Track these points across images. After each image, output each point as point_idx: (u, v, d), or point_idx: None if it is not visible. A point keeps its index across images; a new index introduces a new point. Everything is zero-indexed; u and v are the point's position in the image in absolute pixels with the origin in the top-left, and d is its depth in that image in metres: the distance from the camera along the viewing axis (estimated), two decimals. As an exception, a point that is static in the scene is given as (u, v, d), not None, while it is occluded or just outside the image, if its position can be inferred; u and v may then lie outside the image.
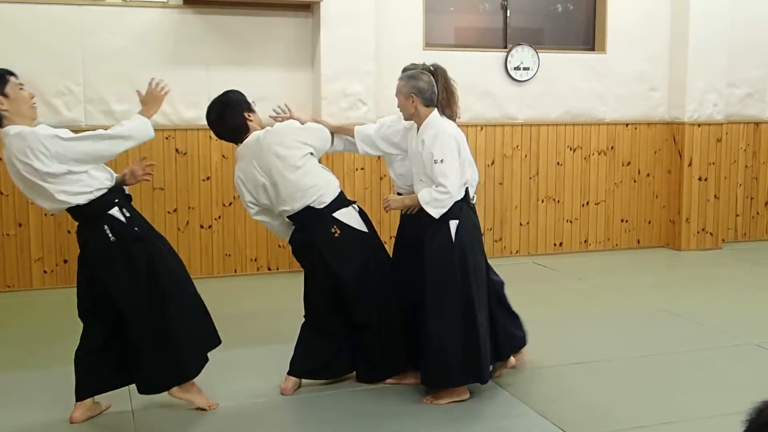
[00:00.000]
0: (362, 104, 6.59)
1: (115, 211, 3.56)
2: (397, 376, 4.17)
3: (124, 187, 3.75)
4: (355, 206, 4.10)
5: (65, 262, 6.19)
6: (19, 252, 6.13)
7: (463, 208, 3.85)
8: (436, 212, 3.80)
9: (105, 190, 3.55)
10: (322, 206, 3.96)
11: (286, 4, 6.54)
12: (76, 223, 3.66)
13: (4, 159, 3.57)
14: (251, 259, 6.72)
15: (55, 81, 6.10)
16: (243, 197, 4.11)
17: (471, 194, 4.03)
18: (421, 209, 3.84)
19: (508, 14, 7.40)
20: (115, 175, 3.69)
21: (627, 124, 7.72)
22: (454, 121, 4.08)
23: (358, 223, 4.03)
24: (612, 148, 7.68)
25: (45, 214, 6.06)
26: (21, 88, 3.50)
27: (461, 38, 7.46)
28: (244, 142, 4.01)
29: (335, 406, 3.90)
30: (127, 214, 3.59)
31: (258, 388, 4.14)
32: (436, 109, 3.90)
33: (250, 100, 4.08)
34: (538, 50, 7.24)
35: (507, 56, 7.16)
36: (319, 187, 3.96)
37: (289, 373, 4.10)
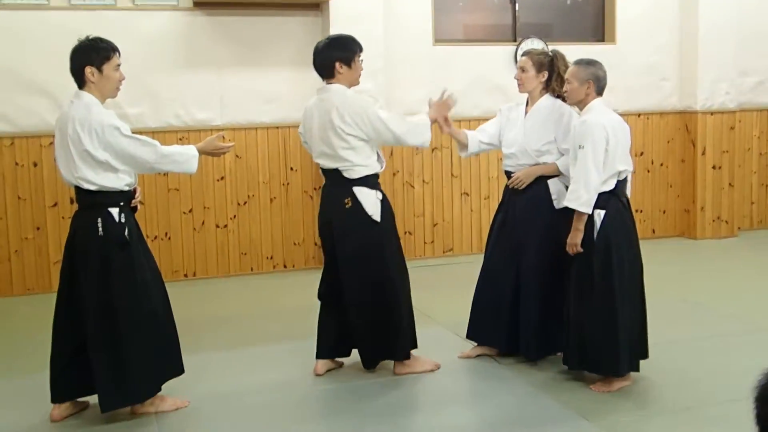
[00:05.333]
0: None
1: (114, 211, 3.57)
2: (403, 365, 4.22)
3: (136, 206, 3.75)
4: (379, 194, 4.11)
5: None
6: (38, 255, 6.22)
7: (610, 200, 3.87)
8: (581, 206, 3.83)
9: (116, 191, 3.59)
10: (347, 176, 4.04)
11: (295, 4, 6.59)
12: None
13: (59, 114, 3.68)
14: (267, 258, 6.77)
15: (69, 85, 6.14)
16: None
17: (627, 187, 4.02)
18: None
19: (517, 9, 7.41)
20: (136, 188, 3.72)
21: (639, 115, 7.71)
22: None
23: (372, 208, 4.05)
24: (624, 138, 7.66)
25: (63, 218, 6.14)
26: (117, 70, 3.64)
27: (470, 34, 7.47)
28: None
29: (364, 396, 3.95)
30: (123, 220, 3.59)
31: (276, 381, 4.19)
32: (602, 99, 3.99)
33: None
34: (547, 43, 7.25)
35: (516, 49, 7.17)
36: (353, 162, 4.02)
37: (316, 356, 4.28)
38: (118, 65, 3.66)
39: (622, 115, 4.16)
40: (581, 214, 3.84)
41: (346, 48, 4.08)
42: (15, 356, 4.77)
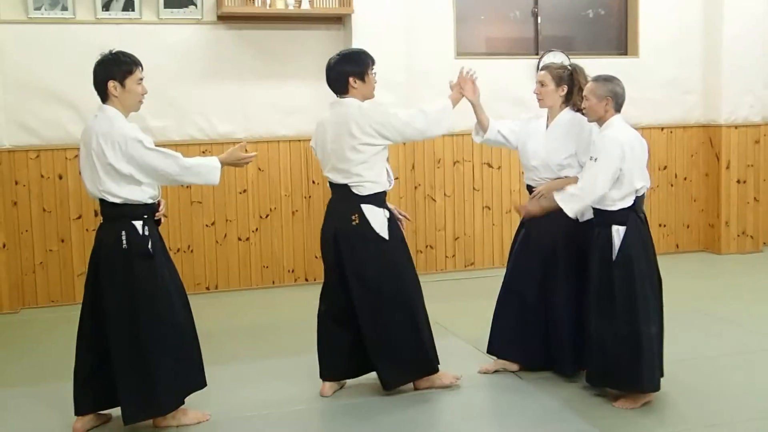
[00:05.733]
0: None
1: (138, 223, 3.60)
2: (421, 380, 4.17)
3: (160, 218, 3.78)
4: (387, 212, 4.08)
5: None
6: (62, 267, 6.27)
7: (629, 216, 3.86)
8: (568, 208, 3.87)
9: (140, 204, 3.62)
10: (356, 192, 4.00)
11: (318, 18, 6.62)
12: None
13: (84, 128, 3.71)
14: (288, 271, 6.78)
15: (94, 98, 6.20)
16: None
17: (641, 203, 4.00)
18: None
19: (539, 21, 7.41)
20: (161, 201, 3.75)
21: (662, 128, 7.66)
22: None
23: (380, 226, 4.02)
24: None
25: (87, 230, 6.19)
26: (139, 84, 3.68)
27: (492, 47, 7.47)
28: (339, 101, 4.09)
29: (376, 413, 3.93)
30: (147, 233, 3.61)
31: (297, 395, 4.19)
32: (620, 115, 3.98)
33: None
34: (569, 56, 7.23)
35: (538, 63, 7.15)
36: (364, 178, 3.99)
37: (321, 378, 4.18)
38: (141, 79, 3.69)
39: (645, 128, 4.16)
40: (563, 205, 3.90)
41: (359, 62, 4.06)
42: (38, 367, 4.81)
